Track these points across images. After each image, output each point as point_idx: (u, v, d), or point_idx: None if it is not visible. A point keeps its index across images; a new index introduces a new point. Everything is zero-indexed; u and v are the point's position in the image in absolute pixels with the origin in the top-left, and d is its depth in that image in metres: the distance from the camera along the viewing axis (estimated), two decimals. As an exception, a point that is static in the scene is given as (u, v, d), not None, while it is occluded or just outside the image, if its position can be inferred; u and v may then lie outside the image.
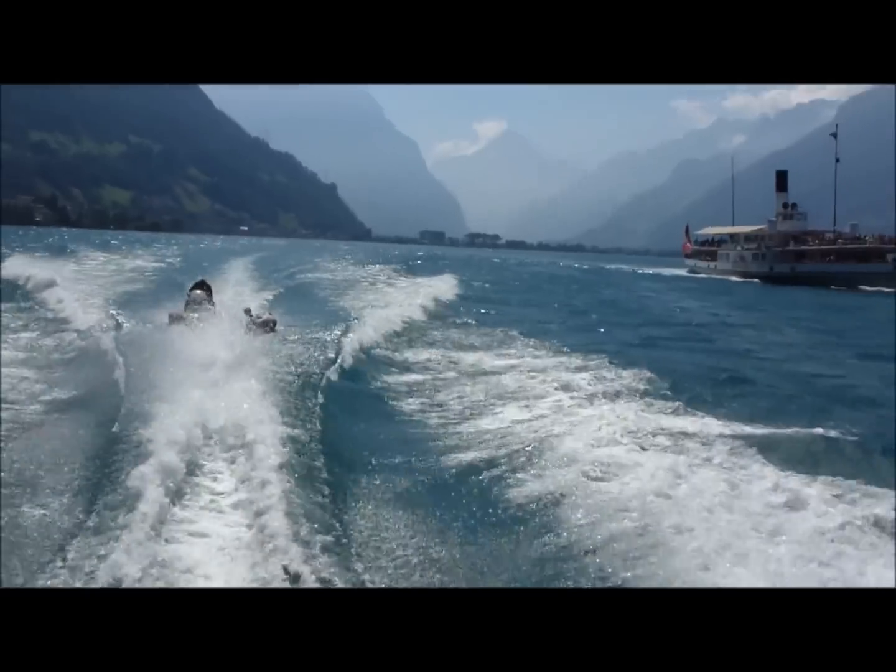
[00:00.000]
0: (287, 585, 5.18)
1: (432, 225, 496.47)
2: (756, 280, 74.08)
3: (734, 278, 77.76)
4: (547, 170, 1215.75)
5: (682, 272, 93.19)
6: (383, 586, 5.42)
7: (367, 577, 5.69)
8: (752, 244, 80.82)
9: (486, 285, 42.38)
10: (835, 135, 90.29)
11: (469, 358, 15.66)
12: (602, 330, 23.93)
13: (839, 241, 73.97)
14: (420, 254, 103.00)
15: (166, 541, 5.96)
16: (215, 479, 7.49)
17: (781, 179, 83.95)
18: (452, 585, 5.79)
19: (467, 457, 8.80)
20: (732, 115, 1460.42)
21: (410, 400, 12.06)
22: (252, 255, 60.14)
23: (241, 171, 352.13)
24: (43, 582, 5.23)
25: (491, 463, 8.64)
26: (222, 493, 7.15)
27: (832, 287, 65.90)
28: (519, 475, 8.11)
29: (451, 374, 14.16)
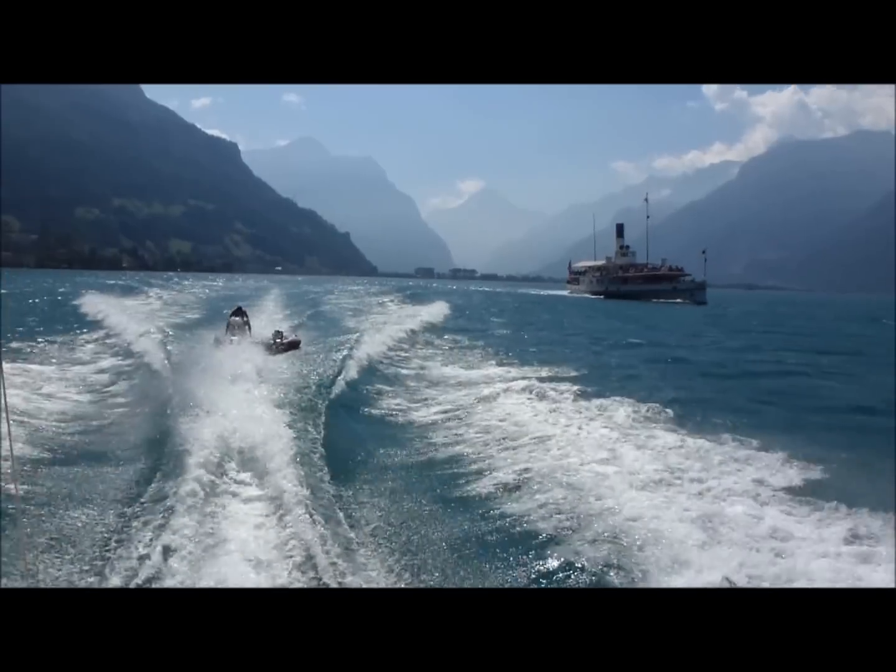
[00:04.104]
0: (286, 585, 4.70)
1: (425, 263, 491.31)
2: (600, 296, 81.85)
3: (588, 295, 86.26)
4: (515, 217, 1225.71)
5: (565, 293, 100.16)
6: (383, 586, 4.82)
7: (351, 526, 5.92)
8: (598, 273, 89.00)
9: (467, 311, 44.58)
10: (646, 199, 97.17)
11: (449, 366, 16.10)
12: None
13: (645, 270, 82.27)
14: (411, 284, 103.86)
15: (212, 502, 6.33)
16: (241, 470, 7.27)
17: (620, 229, 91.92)
18: (438, 553, 5.49)
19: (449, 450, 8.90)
20: (660, 172, 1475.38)
21: (398, 400, 12.05)
22: (286, 285, 67.05)
23: (275, 224, 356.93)
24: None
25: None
26: (245, 484, 6.94)
27: (643, 300, 72.74)
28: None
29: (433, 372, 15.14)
